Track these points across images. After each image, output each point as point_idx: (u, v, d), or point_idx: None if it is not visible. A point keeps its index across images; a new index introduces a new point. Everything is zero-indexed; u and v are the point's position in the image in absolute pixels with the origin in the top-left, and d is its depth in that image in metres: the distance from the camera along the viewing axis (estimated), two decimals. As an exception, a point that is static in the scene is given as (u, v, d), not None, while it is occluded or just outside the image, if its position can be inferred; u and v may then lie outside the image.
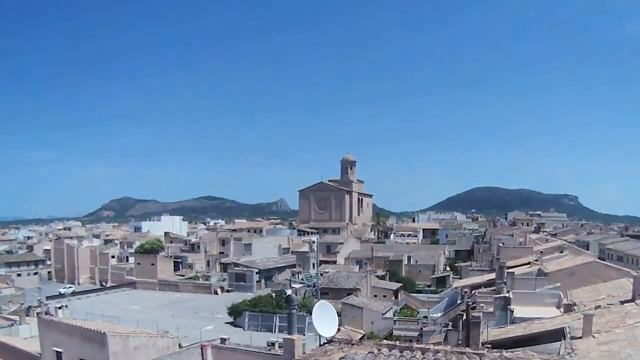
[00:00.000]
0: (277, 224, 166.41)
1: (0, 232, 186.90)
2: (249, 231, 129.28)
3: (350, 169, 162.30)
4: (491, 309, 28.80)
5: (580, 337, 13.13)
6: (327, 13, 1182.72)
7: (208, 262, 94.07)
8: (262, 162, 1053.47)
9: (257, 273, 77.97)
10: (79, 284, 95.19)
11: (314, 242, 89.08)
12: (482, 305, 33.06)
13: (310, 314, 17.59)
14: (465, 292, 46.09)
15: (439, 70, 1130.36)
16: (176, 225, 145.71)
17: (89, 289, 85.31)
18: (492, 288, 42.67)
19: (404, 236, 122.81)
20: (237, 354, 25.34)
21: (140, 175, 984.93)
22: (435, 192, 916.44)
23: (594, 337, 12.97)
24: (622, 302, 18.39)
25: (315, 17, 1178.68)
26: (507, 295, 29.90)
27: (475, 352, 9.33)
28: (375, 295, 56.98)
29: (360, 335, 37.84)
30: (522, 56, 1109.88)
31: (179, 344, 28.91)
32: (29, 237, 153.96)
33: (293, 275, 78.86)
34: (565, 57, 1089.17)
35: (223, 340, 27.50)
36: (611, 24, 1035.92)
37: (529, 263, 48.49)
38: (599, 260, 43.44)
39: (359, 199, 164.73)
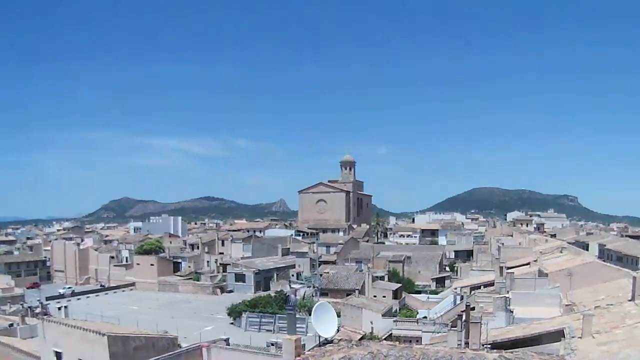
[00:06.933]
0: (276, 224, 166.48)
1: (1, 232, 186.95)
2: (248, 231, 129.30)
3: (350, 169, 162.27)
4: (491, 310, 28.81)
5: (580, 338, 13.14)
6: (325, 11, 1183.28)
7: (208, 262, 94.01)
8: (261, 163, 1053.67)
9: (256, 274, 77.96)
10: (78, 284, 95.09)
11: (313, 242, 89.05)
12: (482, 305, 33.09)
13: (311, 315, 17.60)
14: (465, 292, 46.15)
15: (438, 70, 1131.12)
16: (176, 225, 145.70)
17: (88, 289, 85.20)
18: (492, 288, 42.73)
19: (404, 236, 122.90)
20: (236, 354, 25.33)
21: (140, 176, 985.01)
22: (435, 192, 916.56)
23: (593, 337, 12.98)
24: (628, 300, 18.41)
25: (310, 14, 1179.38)
26: (507, 295, 29.93)
27: (475, 352, 9.33)
28: (375, 296, 56.94)
29: (359, 336, 37.83)
30: (522, 56, 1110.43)
31: (179, 345, 28.87)
32: (28, 238, 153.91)
33: (293, 275, 78.84)
34: (564, 57, 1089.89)
35: (223, 340, 27.49)
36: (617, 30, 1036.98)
37: (528, 263, 48.51)
38: (599, 261, 43.48)
39: (358, 199, 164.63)
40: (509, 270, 42.10)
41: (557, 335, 15.36)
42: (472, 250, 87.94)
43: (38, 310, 53.07)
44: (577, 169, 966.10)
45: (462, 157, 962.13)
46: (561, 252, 50.87)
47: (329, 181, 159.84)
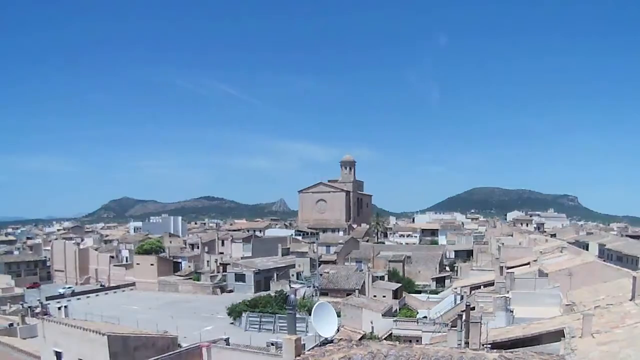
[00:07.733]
0: (276, 224, 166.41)
1: (1, 232, 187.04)
2: (248, 231, 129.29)
3: (350, 169, 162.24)
4: (491, 309, 28.78)
5: (580, 337, 13.14)
6: (330, 8, 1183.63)
7: (208, 262, 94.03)
8: (262, 162, 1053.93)
9: (256, 273, 77.97)
10: (78, 284, 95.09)
11: (313, 242, 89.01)
12: (482, 305, 33.06)
13: (311, 315, 17.59)
14: (465, 292, 46.17)
15: (438, 70, 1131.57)
16: (176, 225, 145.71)
17: (88, 289, 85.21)
18: (492, 288, 42.74)
19: (404, 236, 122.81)
20: (236, 354, 25.32)
21: (140, 176, 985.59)
22: (435, 192, 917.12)
23: (593, 337, 12.98)
24: (629, 300, 18.39)
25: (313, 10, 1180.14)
26: (507, 295, 29.93)
27: (475, 352, 9.33)
28: (375, 296, 56.93)
29: (359, 336, 37.82)
30: (522, 56, 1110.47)
31: (179, 345, 28.87)
32: (29, 238, 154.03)
33: (293, 275, 78.83)
34: (564, 57, 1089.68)
35: (223, 340, 27.48)
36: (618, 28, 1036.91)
37: (528, 263, 48.54)
38: (599, 261, 43.49)
39: (358, 199, 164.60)
40: (509, 270, 42.13)
41: (557, 335, 15.36)
42: (472, 250, 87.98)
43: (38, 310, 53.08)
44: (577, 169, 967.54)
45: (462, 157, 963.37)
46: (561, 252, 50.90)
47: (329, 181, 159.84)
